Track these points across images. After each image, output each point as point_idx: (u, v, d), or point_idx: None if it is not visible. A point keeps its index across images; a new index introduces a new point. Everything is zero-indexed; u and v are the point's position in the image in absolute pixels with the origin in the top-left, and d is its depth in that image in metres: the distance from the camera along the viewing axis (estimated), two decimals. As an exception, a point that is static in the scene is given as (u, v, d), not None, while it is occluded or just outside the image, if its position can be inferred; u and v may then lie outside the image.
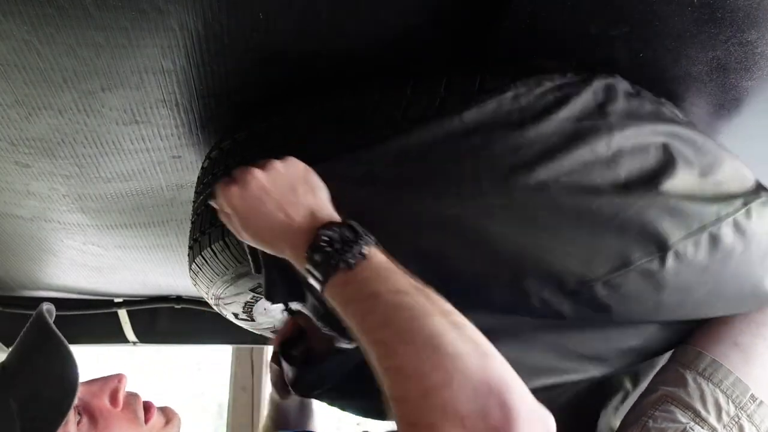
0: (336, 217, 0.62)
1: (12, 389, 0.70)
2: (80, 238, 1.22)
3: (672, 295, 0.68)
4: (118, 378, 0.77)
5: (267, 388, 1.91)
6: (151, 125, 0.80)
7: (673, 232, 0.66)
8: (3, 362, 0.75)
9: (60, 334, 0.74)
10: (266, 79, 0.74)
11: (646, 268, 0.65)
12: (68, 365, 0.72)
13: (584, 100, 0.70)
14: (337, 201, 0.64)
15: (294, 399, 1.06)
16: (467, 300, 0.56)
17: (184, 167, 0.92)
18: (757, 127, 0.90)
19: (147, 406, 0.80)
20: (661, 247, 0.65)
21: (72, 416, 0.71)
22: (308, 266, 0.59)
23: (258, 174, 0.64)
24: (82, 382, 0.75)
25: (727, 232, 0.68)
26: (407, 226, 0.67)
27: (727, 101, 0.81)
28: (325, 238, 0.59)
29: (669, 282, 0.67)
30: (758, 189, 0.73)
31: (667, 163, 0.69)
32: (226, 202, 0.66)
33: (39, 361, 0.74)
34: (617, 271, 0.65)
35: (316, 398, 0.95)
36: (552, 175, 0.66)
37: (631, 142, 0.68)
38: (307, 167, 0.66)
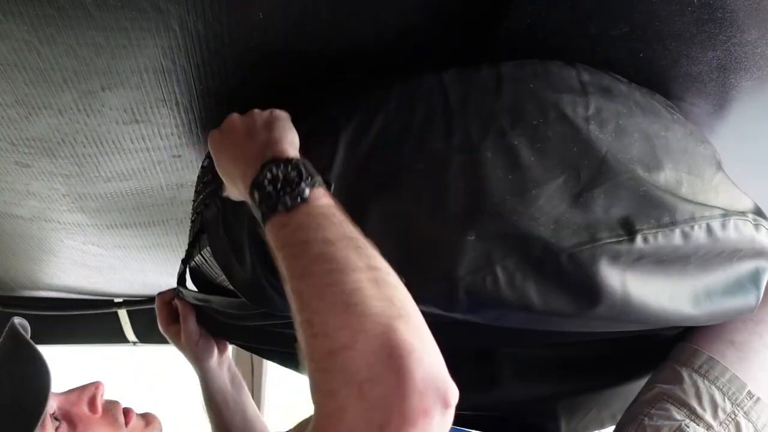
0: (290, 153, 0.59)
1: None
2: (80, 238, 1.22)
3: (631, 281, 0.65)
4: (95, 385, 0.80)
5: (267, 389, 1.91)
6: (151, 124, 0.80)
7: (641, 219, 0.64)
8: None
9: (33, 344, 0.77)
10: (266, 79, 0.74)
11: (615, 248, 0.63)
12: (41, 372, 0.74)
13: (566, 74, 0.70)
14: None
15: (222, 379, 0.97)
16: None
17: (184, 166, 0.92)
18: (757, 127, 0.90)
19: (125, 411, 0.83)
20: (629, 230, 0.63)
21: (50, 422, 0.73)
22: (251, 203, 0.57)
23: (234, 116, 0.66)
24: (61, 392, 0.79)
25: (699, 234, 0.66)
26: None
27: (727, 101, 0.81)
28: (269, 176, 0.56)
29: (632, 268, 0.64)
30: (746, 211, 0.72)
31: (650, 154, 0.67)
32: (210, 146, 0.68)
33: (12, 371, 0.76)
34: (584, 245, 0.62)
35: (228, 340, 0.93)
36: (525, 141, 0.64)
37: (614, 125, 0.67)
38: (279, 111, 0.66)
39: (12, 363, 0.77)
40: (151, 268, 1.44)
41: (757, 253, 0.72)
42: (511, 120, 0.66)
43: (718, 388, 0.73)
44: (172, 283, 1.68)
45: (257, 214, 0.57)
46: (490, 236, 0.61)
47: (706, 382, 0.74)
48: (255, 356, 1.95)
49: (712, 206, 0.68)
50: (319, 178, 0.56)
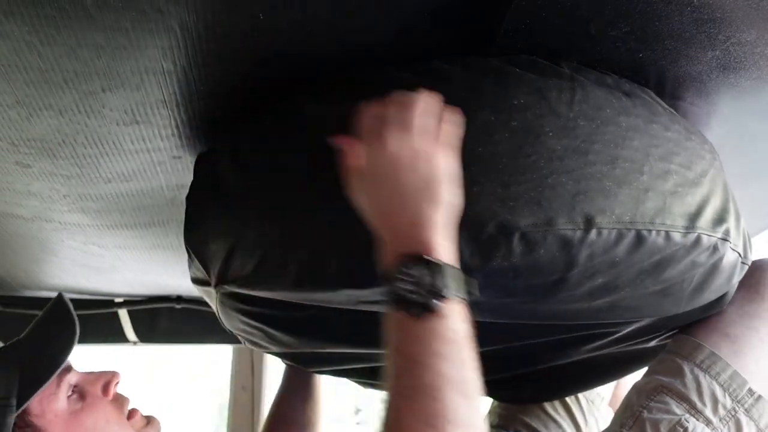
0: (436, 246, 0.56)
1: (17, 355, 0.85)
2: (81, 239, 1.22)
3: (575, 277, 0.64)
4: (113, 374, 0.90)
5: (267, 388, 1.91)
6: (151, 125, 0.80)
7: (603, 211, 0.63)
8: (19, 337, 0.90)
9: (71, 310, 0.91)
10: (267, 80, 0.74)
11: (567, 236, 0.62)
12: (69, 332, 0.87)
13: (555, 64, 0.70)
14: None
15: (299, 391, 1.09)
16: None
17: (185, 167, 0.92)
18: (757, 127, 0.90)
19: (132, 409, 0.92)
20: (587, 221, 0.62)
21: (66, 389, 0.84)
22: (383, 288, 0.57)
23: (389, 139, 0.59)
24: (83, 372, 0.90)
25: (656, 239, 0.64)
26: None
27: (727, 101, 0.81)
28: (408, 278, 0.54)
29: (580, 262, 0.63)
30: (725, 235, 0.68)
31: (634, 147, 0.66)
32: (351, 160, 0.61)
33: (45, 327, 0.90)
34: (539, 228, 0.61)
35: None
36: (503, 117, 0.64)
37: (598, 114, 0.67)
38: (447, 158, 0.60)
39: (47, 321, 0.90)
40: (152, 268, 1.44)
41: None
42: (492, 97, 0.66)
43: (720, 384, 0.73)
44: (172, 283, 1.68)
45: (384, 290, 0.57)
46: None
47: (707, 377, 0.73)
48: (255, 357, 1.95)
49: (681, 212, 0.66)
50: (460, 291, 0.55)
